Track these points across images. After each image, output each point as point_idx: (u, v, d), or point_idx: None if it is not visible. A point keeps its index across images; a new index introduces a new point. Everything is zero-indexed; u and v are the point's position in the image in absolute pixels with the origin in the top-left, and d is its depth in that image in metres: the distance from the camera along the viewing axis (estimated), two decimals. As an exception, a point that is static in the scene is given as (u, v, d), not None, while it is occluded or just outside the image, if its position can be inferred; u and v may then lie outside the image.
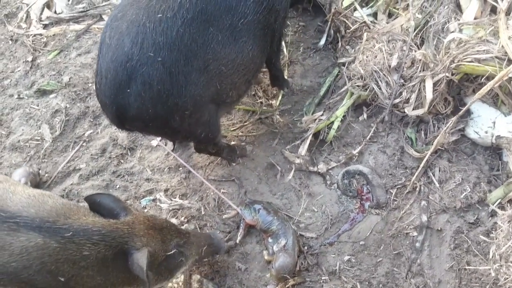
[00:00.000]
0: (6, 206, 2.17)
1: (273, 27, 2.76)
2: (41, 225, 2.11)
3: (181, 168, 3.27)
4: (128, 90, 2.29)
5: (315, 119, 3.21)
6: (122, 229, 2.20)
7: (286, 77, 3.48)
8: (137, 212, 2.38)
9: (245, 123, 3.38)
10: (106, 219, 2.25)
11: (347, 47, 3.34)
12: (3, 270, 2.11)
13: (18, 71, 3.89)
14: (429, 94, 2.90)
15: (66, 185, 3.29)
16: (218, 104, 2.66)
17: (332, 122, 3.18)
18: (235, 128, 3.37)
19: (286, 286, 2.77)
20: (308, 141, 3.17)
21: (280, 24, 2.86)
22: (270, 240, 2.86)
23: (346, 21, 3.37)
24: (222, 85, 2.55)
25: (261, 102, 3.45)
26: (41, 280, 2.15)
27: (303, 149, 3.16)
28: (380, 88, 3.04)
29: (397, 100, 3.02)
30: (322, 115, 3.23)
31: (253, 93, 3.48)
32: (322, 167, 3.12)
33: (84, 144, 3.45)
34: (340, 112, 3.18)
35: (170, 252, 2.35)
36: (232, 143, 3.25)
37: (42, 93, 3.73)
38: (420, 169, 2.92)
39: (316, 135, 3.20)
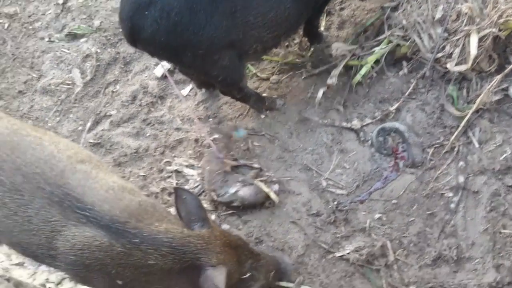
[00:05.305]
0: (83, 194, 2.01)
1: None
2: (110, 225, 1.95)
3: (211, 119, 3.22)
4: (146, 13, 2.27)
5: (349, 50, 3.06)
6: (195, 244, 2.00)
7: (322, 28, 3.35)
8: (213, 224, 2.16)
9: (278, 75, 3.28)
10: (180, 229, 2.04)
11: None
12: (63, 260, 2.03)
13: (49, 13, 3.84)
14: (473, 50, 2.76)
15: (97, 131, 3.29)
16: (241, 52, 2.59)
17: (362, 66, 3.04)
18: (267, 80, 3.28)
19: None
20: (339, 70, 3.02)
21: None
22: None
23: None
24: (247, 36, 2.48)
25: (298, 54, 3.33)
26: (97, 279, 2.05)
27: (334, 76, 3.01)
28: (422, 41, 2.91)
29: (439, 55, 2.90)
30: (356, 49, 3.08)
31: (287, 44, 3.37)
32: (356, 124, 3.03)
33: (115, 90, 3.42)
34: (372, 58, 3.02)
35: (245, 276, 2.15)
36: (264, 95, 3.17)
37: (73, 37, 3.70)
38: (460, 128, 2.82)
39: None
